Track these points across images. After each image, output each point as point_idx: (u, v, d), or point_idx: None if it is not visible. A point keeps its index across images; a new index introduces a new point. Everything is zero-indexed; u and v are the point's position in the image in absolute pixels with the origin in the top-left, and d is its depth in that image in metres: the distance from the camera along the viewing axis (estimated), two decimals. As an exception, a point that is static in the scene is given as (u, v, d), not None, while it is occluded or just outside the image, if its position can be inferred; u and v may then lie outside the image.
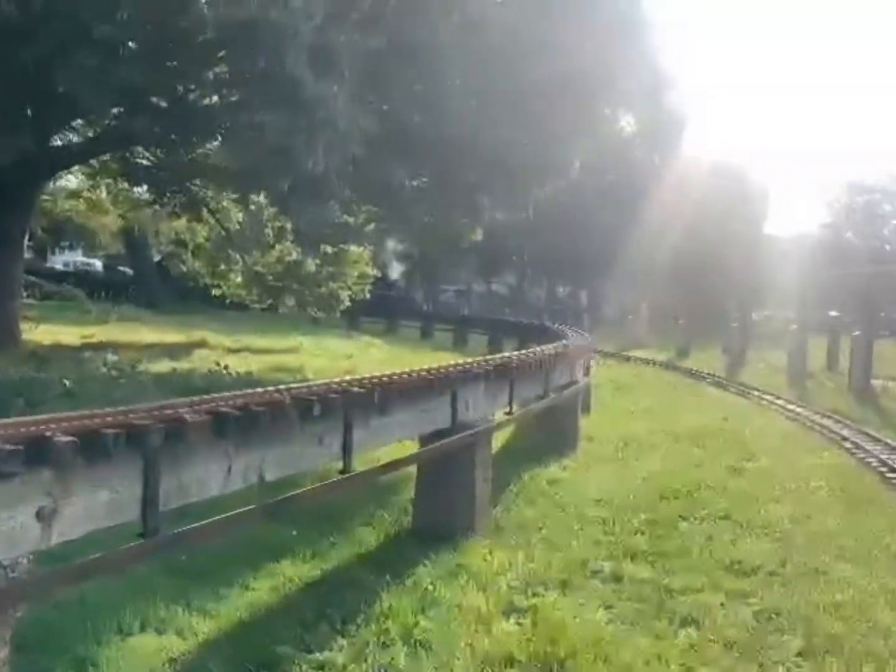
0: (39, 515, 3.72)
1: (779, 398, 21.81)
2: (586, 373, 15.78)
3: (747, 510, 10.13)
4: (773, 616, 6.82)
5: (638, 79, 22.66)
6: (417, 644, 5.90)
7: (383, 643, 5.89)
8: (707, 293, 46.59)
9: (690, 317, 38.84)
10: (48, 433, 3.77)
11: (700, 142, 50.60)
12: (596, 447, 14.04)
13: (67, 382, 14.27)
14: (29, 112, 17.99)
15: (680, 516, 9.75)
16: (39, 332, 22.52)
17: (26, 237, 22.17)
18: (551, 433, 13.13)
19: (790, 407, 20.37)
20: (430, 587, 6.99)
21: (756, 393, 23.20)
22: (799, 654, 6.15)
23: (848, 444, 15.20)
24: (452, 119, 17.47)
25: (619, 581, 7.54)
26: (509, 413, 10.24)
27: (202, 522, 4.78)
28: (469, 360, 10.63)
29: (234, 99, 18.11)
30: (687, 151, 48.10)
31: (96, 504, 4.03)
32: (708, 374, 28.22)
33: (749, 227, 49.94)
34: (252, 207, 24.00)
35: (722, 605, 7.06)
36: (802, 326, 30.43)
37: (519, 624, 6.40)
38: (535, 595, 6.98)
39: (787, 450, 14.72)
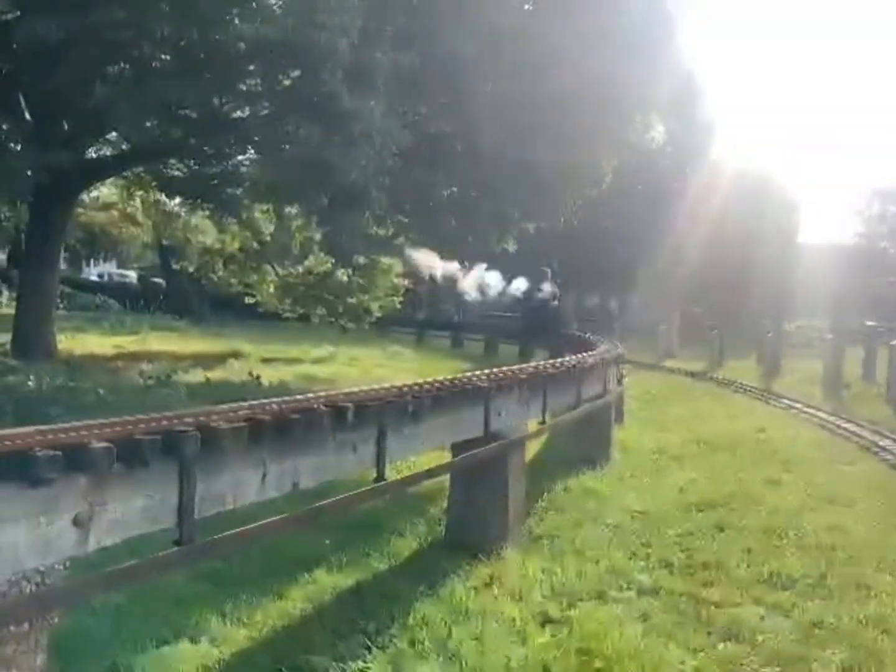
0: (76, 521, 3.72)
1: (814, 408, 21.49)
2: (619, 382, 15.64)
3: (785, 521, 9.95)
4: (815, 629, 6.68)
5: (668, 87, 22.56)
6: (452, 655, 5.84)
7: (417, 654, 5.84)
8: (740, 302, 46.11)
9: (723, 326, 38.39)
10: (85, 439, 3.78)
11: (730, 150, 50.00)
12: (630, 457, 13.90)
13: (101, 391, 14.43)
14: (66, 126, 18.28)
15: (717, 528, 9.60)
16: (74, 343, 22.79)
17: (62, 248, 22.48)
18: (584, 443, 13.01)
19: (826, 417, 20.04)
20: (464, 597, 6.93)
21: (791, 403, 22.88)
22: (842, 669, 6.01)
23: (887, 455, 14.91)
24: (482, 130, 17.50)
25: (656, 593, 7.43)
26: (542, 422, 10.16)
27: (237, 530, 4.76)
28: (501, 368, 10.56)
29: (265, 112, 18.29)
30: (717, 160, 47.71)
31: (132, 511, 4.02)
32: (742, 383, 27.87)
33: (781, 236, 49.39)
34: (283, 220, 24.21)
35: (762, 618, 6.94)
36: (838, 335, 29.98)
37: (554, 635, 6.32)
38: (570, 606, 6.90)
39: (824, 460, 14.48)
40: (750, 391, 26.32)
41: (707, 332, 37.48)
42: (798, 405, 22.35)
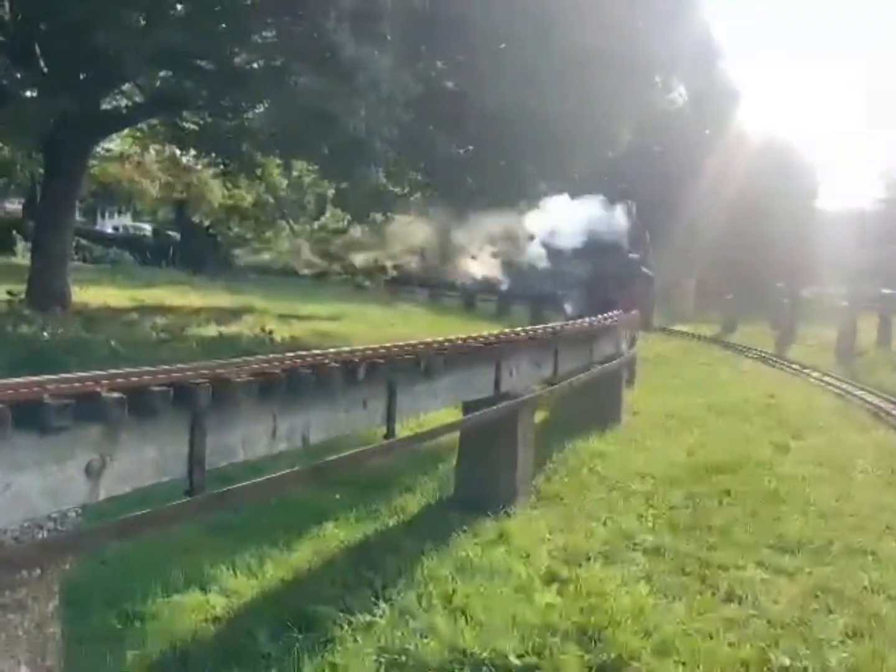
0: (88, 470, 3.76)
1: (827, 375, 21.43)
2: (631, 345, 15.61)
3: (793, 487, 9.97)
4: (819, 594, 6.71)
5: (690, 47, 22.19)
6: (458, 610, 5.91)
7: (423, 608, 5.90)
8: (755, 268, 45.77)
9: (738, 292, 38.18)
10: (97, 389, 3.80)
11: (750, 114, 49.43)
12: (640, 420, 13.93)
13: (115, 344, 14.51)
14: (80, 76, 18.17)
15: (724, 492, 9.61)
16: (89, 295, 22.89)
17: (77, 200, 22.47)
18: (595, 405, 13.02)
19: (839, 384, 20.00)
20: (471, 554, 7.00)
21: (804, 369, 22.82)
22: (845, 634, 6.04)
23: (898, 423, 14.91)
24: (498, 88, 17.26)
25: (661, 554, 7.46)
26: (553, 383, 10.17)
27: (247, 482, 4.80)
28: (513, 329, 10.56)
29: (278, 63, 18.10)
30: (737, 124, 47.10)
31: (143, 461, 4.05)
32: (755, 349, 27.80)
33: (800, 202, 48.85)
34: (295, 174, 24.09)
35: (766, 581, 6.97)
36: (853, 303, 29.78)
37: (559, 593, 6.37)
38: (576, 565, 6.95)
39: (834, 427, 14.47)
40: (763, 357, 26.25)
41: (721, 298, 37.29)
42: (811, 372, 22.30)
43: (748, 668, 5.40)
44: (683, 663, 5.41)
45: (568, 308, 17.43)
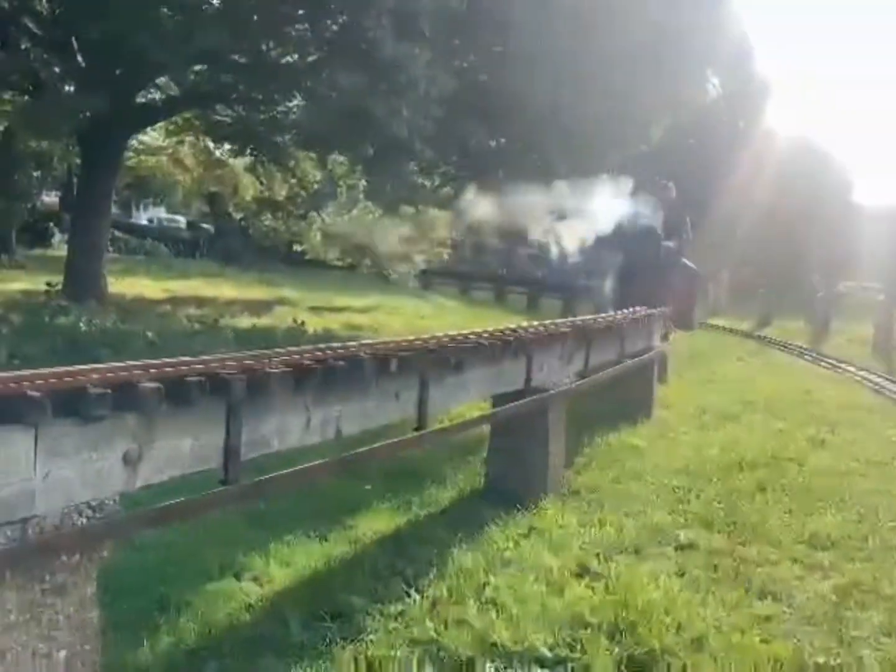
0: (126, 459, 3.81)
1: (863, 370, 21.15)
2: (664, 339, 15.50)
3: (829, 483, 9.88)
4: (854, 591, 6.64)
5: (725, 40, 21.94)
6: (489, 602, 5.92)
7: (455, 600, 5.92)
8: (791, 262, 45.24)
9: (773, 286, 37.80)
10: (134, 379, 3.86)
11: (785, 108, 48.81)
12: (672, 415, 13.83)
13: (150, 334, 14.67)
14: (116, 70, 18.36)
15: (757, 487, 9.53)
16: (124, 286, 23.15)
17: (112, 192, 22.73)
18: (626, 399, 12.96)
19: (875, 379, 19.74)
20: (502, 547, 7.01)
21: (840, 364, 22.53)
22: (880, 631, 5.97)
23: (936, 420, 14.67)
24: (531, 83, 17.19)
25: (694, 549, 7.42)
26: (584, 377, 10.14)
27: (282, 472, 4.85)
28: (544, 322, 10.53)
29: (313, 58, 18.16)
30: (771, 117, 46.56)
31: (179, 450, 4.11)
32: (790, 344, 27.51)
33: (835, 196, 48.17)
34: (329, 168, 24.17)
35: (800, 577, 6.91)
36: (890, 298, 29.36)
37: (590, 587, 6.36)
38: (607, 559, 6.93)
39: (870, 422, 14.29)
40: (798, 351, 25.96)
41: (756, 291, 36.91)
42: (847, 366, 22.02)
43: (782, 664, 5.34)
44: (716, 659, 5.37)
45: (597, 304, 16.30)
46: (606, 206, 14.13)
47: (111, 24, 14.81)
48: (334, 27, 16.56)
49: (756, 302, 36.36)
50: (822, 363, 23.40)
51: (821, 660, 5.44)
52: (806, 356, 25.10)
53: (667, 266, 15.83)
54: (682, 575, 6.79)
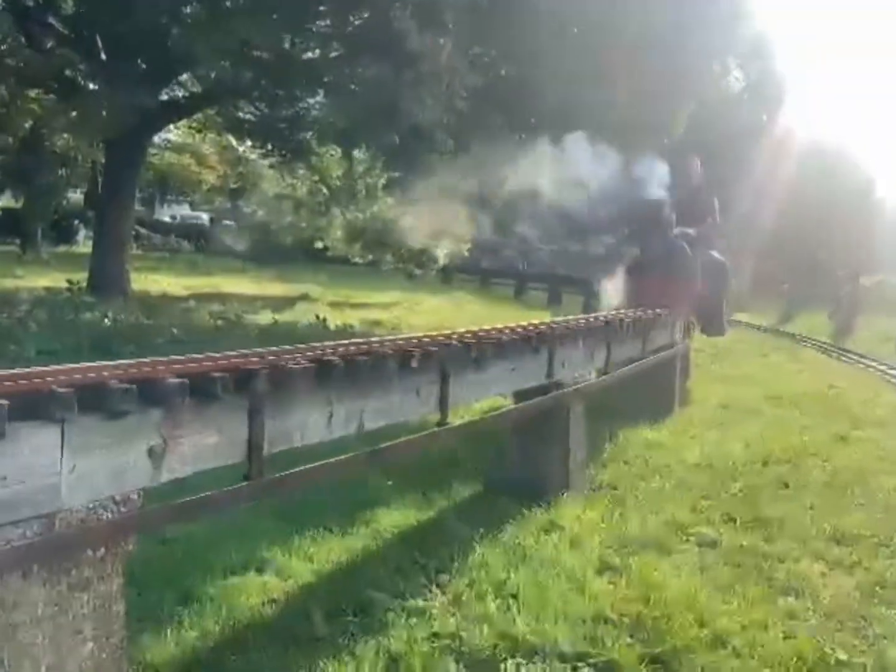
0: (151, 453, 3.85)
1: (888, 366, 20.94)
2: (686, 335, 15.42)
3: (852, 479, 9.78)
4: (879, 589, 6.59)
5: (747, 31, 21.78)
6: (510, 598, 5.92)
7: (476, 595, 5.93)
8: (814, 256, 44.87)
9: (796, 281, 37.52)
10: (159, 374, 3.89)
11: (807, 101, 48.25)
12: (695, 411, 13.77)
13: (174, 330, 14.80)
14: (141, 67, 18.50)
15: (781, 483, 9.49)
16: (148, 282, 23.35)
17: (136, 189, 22.92)
18: (649, 395, 12.89)
19: (901, 376, 19.55)
20: (523, 542, 7.00)
21: (864, 360, 22.32)
22: (905, 630, 5.93)
23: (963, 417, 14.50)
24: (551, 74, 17.13)
25: (717, 546, 7.39)
26: (605, 373, 10.11)
27: (304, 467, 4.88)
28: (565, 318, 10.51)
29: (336, 53, 18.20)
30: (794, 110, 46.09)
31: (203, 445, 4.14)
32: (813, 339, 27.28)
33: (859, 189, 47.70)
34: (351, 163, 24.21)
35: (823, 574, 6.87)
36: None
37: (612, 583, 6.35)
38: (629, 555, 6.91)
39: (895, 419, 14.14)
40: (822, 347, 25.75)
41: (779, 286, 36.64)
42: (871, 363, 21.81)
43: (805, 661, 5.31)
44: (738, 656, 5.35)
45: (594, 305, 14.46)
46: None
47: (140, 18, 14.91)
48: (357, 21, 16.60)
49: (779, 296, 36.08)
50: (846, 358, 23.20)
51: (844, 657, 5.41)
52: (829, 351, 24.89)
53: (682, 258, 13.37)
54: (705, 571, 6.76)
